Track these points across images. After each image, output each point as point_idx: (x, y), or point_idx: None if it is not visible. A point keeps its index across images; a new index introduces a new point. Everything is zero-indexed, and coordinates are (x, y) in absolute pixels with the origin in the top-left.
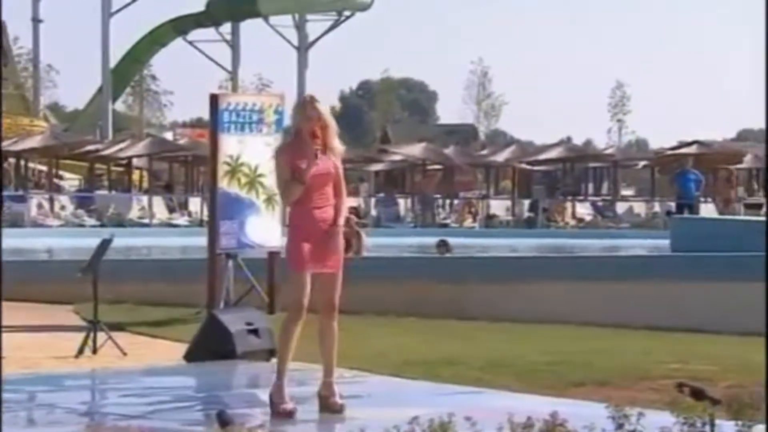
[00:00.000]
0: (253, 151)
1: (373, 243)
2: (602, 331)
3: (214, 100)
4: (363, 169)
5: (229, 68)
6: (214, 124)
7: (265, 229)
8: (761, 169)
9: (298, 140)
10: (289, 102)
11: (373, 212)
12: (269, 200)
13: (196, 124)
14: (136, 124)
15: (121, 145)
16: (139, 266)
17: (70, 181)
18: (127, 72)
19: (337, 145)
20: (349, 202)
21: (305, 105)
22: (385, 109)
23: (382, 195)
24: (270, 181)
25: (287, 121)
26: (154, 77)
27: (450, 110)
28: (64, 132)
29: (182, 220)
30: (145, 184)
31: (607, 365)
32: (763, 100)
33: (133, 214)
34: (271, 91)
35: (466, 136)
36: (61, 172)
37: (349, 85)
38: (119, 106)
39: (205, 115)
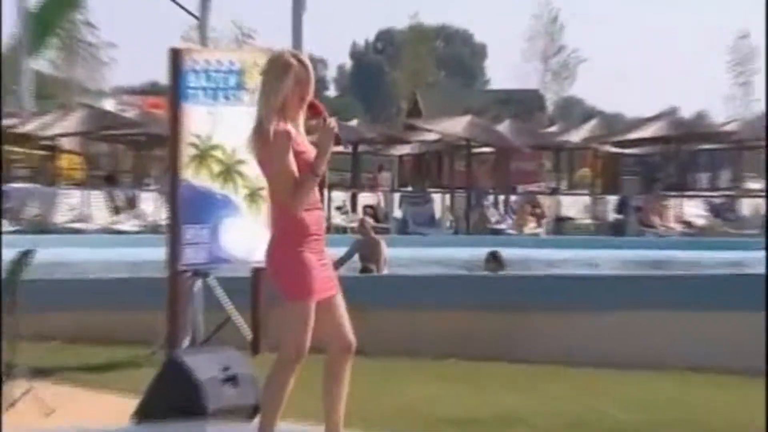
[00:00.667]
0: (230, 128)
1: (396, 256)
2: (717, 378)
3: (174, 56)
4: (383, 153)
5: (197, 12)
6: (174, 89)
7: (247, 237)
8: None
9: (284, 116)
10: None
11: (398, 213)
12: (253, 197)
13: (150, 90)
14: (66, 90)
15: (45, 119)
16: (71, 289)
17: None
18: (54, 15)
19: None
20: (365, 198)
21: (290, 62)
22: (414, 68)
23: (409, 189)
24: (255, 169)
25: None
26: (91, 24)
27: (505, 70)
28: None
29: (130, 225)
30: (79, 175)
31: (728, 427)
32: None
33: (63, 216)
34: (256, 45)
35: (528, 107)
36: None
37: (365, 35)
38: (42, 64)
39: (162, 78)
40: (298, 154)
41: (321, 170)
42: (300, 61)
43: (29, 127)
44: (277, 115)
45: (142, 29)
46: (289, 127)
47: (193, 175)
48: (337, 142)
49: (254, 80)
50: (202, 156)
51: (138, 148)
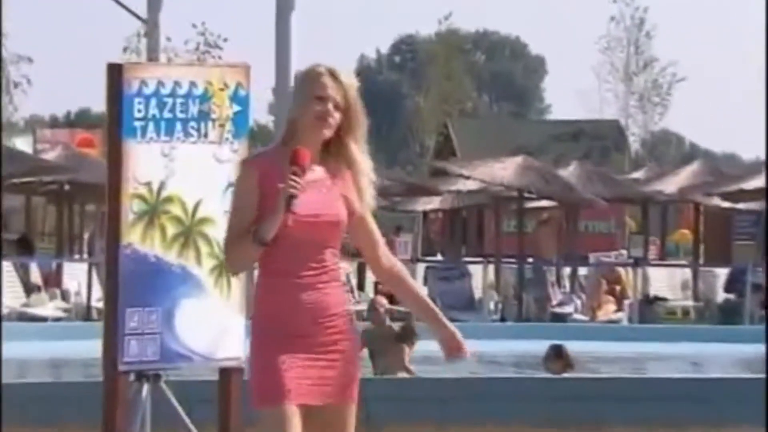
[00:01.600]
0: (190, 173)
1: (422, 350)
2: None
3: (113, 74)
4: (401, 208)
5: (143, 14)
6: (114, 121)
7: (213, 325)
8: None
9: (286, 147)
10: (260, 77)
11: (422, 291)
12: (221, 270)
13: (79, 121)
14: None
15: None
16: None
17: None
18: None
19: (360, 156)
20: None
21: (317, 76)
22: (444, 90)
23: (438, 258)
24: (222, 232)
25: (262, 116)
26: None
27: (571, 93)
28: None
29: (51, 309)
30: None
31: None
32: None
33: None
34: (226, 59)
35: (604, 145)
36: None
37: (376, 44)
38: None
39: (97, 104)
40: (271, 196)
41: (265, 234)
42: (331, 72)
43: None
44: (286, 135)
45: (69, 37)
46: (280, 158)
47: (139, 240)
48: (287, 209)
49: (224, 108)
50: (153, 213)
51: (62, 202)
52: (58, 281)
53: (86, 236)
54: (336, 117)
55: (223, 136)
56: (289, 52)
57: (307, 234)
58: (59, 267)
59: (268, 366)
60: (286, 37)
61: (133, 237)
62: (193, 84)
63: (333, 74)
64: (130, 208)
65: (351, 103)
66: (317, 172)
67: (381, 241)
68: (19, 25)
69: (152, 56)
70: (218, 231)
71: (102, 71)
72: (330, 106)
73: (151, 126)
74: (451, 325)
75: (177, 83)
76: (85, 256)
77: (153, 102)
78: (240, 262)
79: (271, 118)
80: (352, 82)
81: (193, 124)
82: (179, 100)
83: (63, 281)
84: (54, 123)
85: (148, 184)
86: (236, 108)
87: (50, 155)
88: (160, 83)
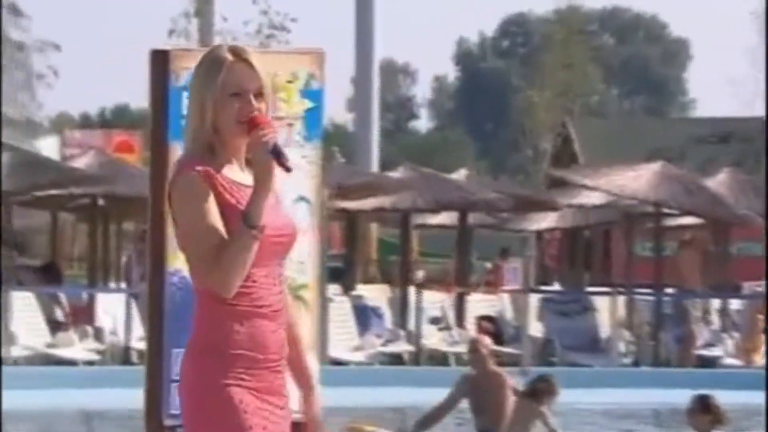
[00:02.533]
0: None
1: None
2: None
3: (158, 63)
4: (510, 227)
5: None
6: (158, 120)
7: None
8: None
9: (213, 149)
10: (337, 66)
11: (536, 328)
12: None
13: (115, 121)
14: None
15: None
16: None
17: None
18: None
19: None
20: (480, 304)
21: (223, 57)
22: (563, 81)
23: (556, 288)
24: (294, 254)
25: (339, 113)
26: (17, 11)
27: (721, 85)
28: None
29: (81, 350)
30: None
31: None
32: None
33: None
34: (294, 44)
35: (760, 146)
36: None
37: (479, 27)
38: None
39: (136, 100)
40: (229, 208)
41: (256, 217)
42: (239, 55)
43: None
44: (202, 143)
45: (104, 20)
46: (222, 170)
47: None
48: (281, 164)
49: (292, 104)
50: None
51: (95, 220)
52: (90, 316)
53: (123, 261)
54: (261, 110)
55: (292, 138)
56: (372, 36)
57: (267, 251)
58: (91, 299)
59: (220, 418)
60: (368, 17)
61: (179, 262)
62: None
63: (241, 56)
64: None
65: (267, 92)
66: (247, 180)
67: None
68: (44, 6)
69: (205, 41)
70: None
71: (144, 60)
72: (252, 99)
73: None
74: (318, 407)
75: None
76: (123, 285)
77: None
78: (239, 269)
79: (350, 117)
80: (261, 62)
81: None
82: None
83: (96, 316)
84: (85, 123)
85: None
86: (308, 104)
87: (80, 162)
88: None
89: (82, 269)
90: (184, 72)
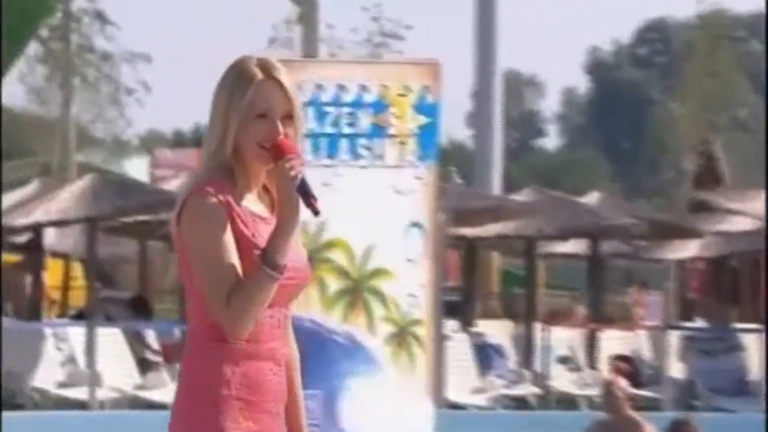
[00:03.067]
0: (360, 208)
1: None
2: None
3: None
4: (649, 256)
5: None
6: None
7: (391, 411)
8: None
9: (231, 172)
10: (455, 78)
11: (677, 369)
12: (403, 338)
13: None
14: (49, 141)
15: (12, 197)
16: None
17: None
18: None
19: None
20: (614, 342)
21: (252, 73)
22: (707, 92)
23: (700, 325)
24: (406, 284)
25: (457, 130)
26: (104, 19)
27: None
28: None
29: (173, 392)
30: (76, 299)
31: None
32: None
33: (45, 377)
34: (408, 54)
35: None
36: None
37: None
38: (10, 92)
39: None
40: (245, 241)
41: (279, 257)
42: (269, 72)
43: None
44: (221, 163)
45: (198, 29)
46: (240, 199)
47: None
48: (308, 204)
49: (405, 119)
50: (310, 262)
51: None
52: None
53: None
54: (286, 132)
55: (405, 157)
56: (494, 44)
57: (279, 294)
58: (184, 335)
59: None
60: (490, 23)
61: None
62: (363, 88)
63: (271, 74)
64: None
65: (297, 113)
66: (263, 211)
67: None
68: (134, 13)
69: (308, 50)
70: (397, 286)
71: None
72: (278, 123)
73: (307, 145)
74: None
75: (342, 87)
76: None
77: (310, 112)
78: (255, 311)
79: (470, 134)
80: (292, 80)
81: (363, 141)
82: (345, 110)
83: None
84: (178, 141)
85: (302, 224)
86: (422, 120)
87: (172, 184)
88: (320, 87)
89: (173, 302)
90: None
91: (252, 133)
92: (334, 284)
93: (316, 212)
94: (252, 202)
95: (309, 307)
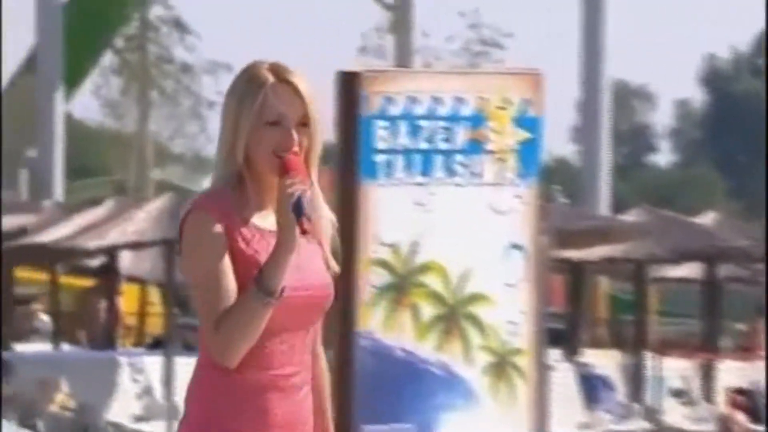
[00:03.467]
0: (456, 229)
1: None
2: None
3: (346, 87)
4: (765, 280)
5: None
6: (346, 154)
7: None
8: None
9: (242, 182)
10: (559, 89)
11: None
12: (501, 368)
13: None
14: (124, 156)
15: (85, 217)
16: None
17: None
18: (107, 9)
19: (321, 196)
20: (731, 374)
21: (263, 78)
22: None
23: None
24: (506, 310)
25: (560, 146)
26: (182, 27)
27: None
28: None
29: None
30: (155, 326)
31: None
32: None
33: (122, 409)
34: (509, 64)
35: None
36: None
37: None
38: (82, 106)
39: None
40: (243, 260)
41: (272, 280)
42: (281, 76)
43: (55, 234)
44: (230, 174)
45: (282, 37)
46: (240, 205)
47: (382, 326)
48: (298, 223)
49: (505, 134)
50: (402, 287)
51: None
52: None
53: None
54: (301, 141)
55: (504, 175)
56: (601, 53)
57: (289, 318)
58: None
59: None
60: (596, 31)
61: (372, 322)
62: (460, 100)
63: (285, 78)
64: (370, 280)
65: (313, 120)
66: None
67: (320, 327)
68: (214, 23)
69: (402, 60)
70: (496, 312)
71: (329, 83)
72: (292, 130)
73: (399, 161)
74: None
75: (437, 99)
76: None
77: (403, 126)
78: (244, 339)
79: (575, 149)
80: (309, 85)
81: (460, 158)
82: (440, 124)
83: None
84: None
85: (394, 246)
86: (523, 134)
87: None
88: (414, 99)
89: None
90: (377, 97)
91: (265, 141)
92: (428, 310)
93: (303, 231)
94: (263, 216)
95: (401, 335)
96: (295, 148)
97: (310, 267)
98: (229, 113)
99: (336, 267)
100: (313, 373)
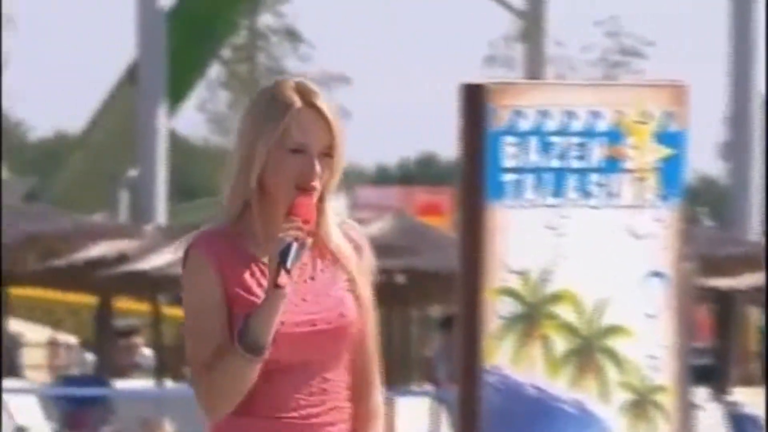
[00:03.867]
0: (592, 255)
1: None
2: None
3: (471, 99)
4: None
5: (520, 5)
6: (471, 173)
7: None
8: None
9: (237, 225)
10: (705, 102)
11: None
12: (642, 407)
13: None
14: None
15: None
16: None
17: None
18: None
19: (335, 229)
20: None
21: (288, 99)
22: None
23: None
24: (645, 345)
25: (707, 164)
26: (294, 36)
27: None
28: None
29: None
30: None
31: None
32: None
33: None
34: (649, 75)
35: None
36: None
37: None
38: (186, 122)
39: (443, 148)
40: (238, 303)
41: (259, 335)
42: (308, 98)
43: (157, 260)
44: (240, 203)
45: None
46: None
47: (511, 361)
48: (276, 270)
49: (645, 151)
50: (532, 318)
51: (392, 301)
52: (389, 426)
53: (428, 356)
54: (322, 174)
55: (644, 196)
56: (752, 61)
57: (297, 354)
58: (389, 403)
59: None
60: (746, 38)
61: (500, 357)
62: (595, 114)
63: (311, 100)
64: (497, 311)
65: (339, 151)
66: (314, 264)
67: (377, 377)
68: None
69: (533, 70)
70: (635, 346)
71: (452, 95)
72: (316, 161)
73: (530, 181)
74: None
75: (571, 113)
76: (427, 387)
77: (533, 142)
78: (226, 395)
79: (723, 167)
80: (334, 108)
81: (596, 177)
82: (575, 140)
83: (393, 426)
84: (382, 177)
85: (524, 274)
86: (665, 151)
87: (374, 228)
88: (545, 114)
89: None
90: (505, 110)
91: (285, 170)
92: (560, 344)
93: (277, 285)
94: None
95: (532, 371)
96: (315, 183)
97: (322, 296)
98: (245, 134)
99: (365, 293)
100: (356, 414)
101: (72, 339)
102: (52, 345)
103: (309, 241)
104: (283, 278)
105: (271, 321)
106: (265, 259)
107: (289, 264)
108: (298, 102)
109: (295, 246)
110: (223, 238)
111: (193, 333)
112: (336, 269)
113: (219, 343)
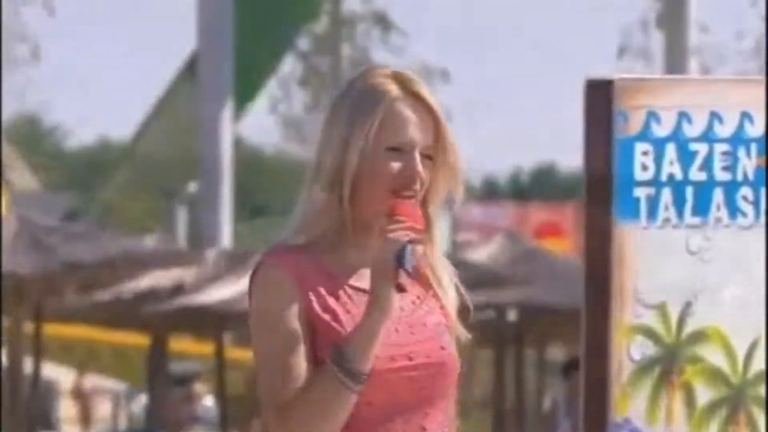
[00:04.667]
0: (742, 288)
1: None
2: None
3: (597, 99)
4: None
5: None
6: (597, 188)
7: None
8: None
9: (341, 233)
10: None
11: None
12: None
13: (533, 190)
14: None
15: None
16: None
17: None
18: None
19: (441, 246)
20: None
21: (384, 88)
22: None
23: None
24: None
25: None
26: (381, 21)
27: None
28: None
29: None
30: None
31: None
32: None
33: None
34: None
35: None
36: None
37: None
38: (259, 125)
39: (565, 157)
40: (323, 329)
41: (358, 358)
42: (408, 87)
43: (221, 293)
44: (319, 222)
45: (513, 38)
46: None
47: (645, 413)
48: (396, 275)
49: None
50: (670, 362)
51: (503, 341)
52: None
53: (547, 406)
54: (425, 177)
55: None
56: None
57: (396, 393)
58: None
59: None
60: None
61: (632, 408)
62: (747, 117)
63: (411, 89)
64: (628, 353)
65: (447, 146)
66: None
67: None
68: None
69: (674, 64)
70: None
71: (576, 94)
72: (416, 160)
73: (666, 196)
74: None
75: (717, 116)
76: None
77: (671, 150)
78: (318, 428)
79: None
80: (437, 102)
81: (746, 192)
82: (721, 148)
83: None
84: (490, 192)
85: (661, 308)
86: None
87: (481, 253)
88: (685, 116)
89: (484, 415)
90: (638, 112)
91: (381, 173)
92: (705, 392)
93: (399, 288)
94: (363, 275)
95: (670, 425)
96: (417, 186)
97: (417, 326)
98: (335, 131)
99: (463, 332)
100: None
101: (118, 386)
102: (94, 394)
103: (420, 248)
104: (405, 280)
105: (373, 342)
106: (357, 284)
107: (408, 266)
108: (395, 90)
109: (410, 248)
110: (303, 254)
111: (269, 367)
112: (429, 296)
113: (295, 377)
